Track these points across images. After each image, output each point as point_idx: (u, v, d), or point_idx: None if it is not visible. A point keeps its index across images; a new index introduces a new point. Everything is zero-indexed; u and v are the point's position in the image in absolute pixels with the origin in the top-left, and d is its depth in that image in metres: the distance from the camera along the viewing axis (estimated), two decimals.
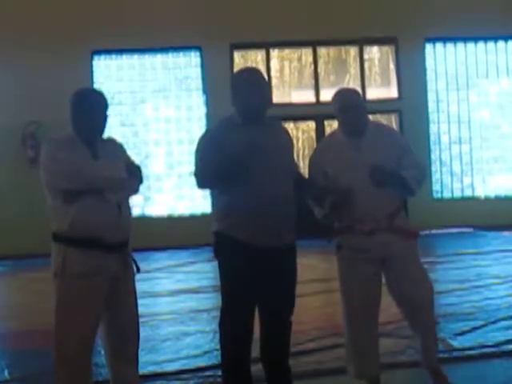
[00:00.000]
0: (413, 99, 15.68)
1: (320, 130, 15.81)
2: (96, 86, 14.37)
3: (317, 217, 5.15)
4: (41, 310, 7.60)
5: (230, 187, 4.72)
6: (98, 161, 4.57)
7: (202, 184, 4.92)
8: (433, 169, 15.81)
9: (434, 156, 15.91)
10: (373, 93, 15.81)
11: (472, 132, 16.20)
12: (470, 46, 16.18)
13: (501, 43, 16.23)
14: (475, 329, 6.87)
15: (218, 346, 4.97)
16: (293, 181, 4.88)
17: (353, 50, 16.19)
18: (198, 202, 15.17)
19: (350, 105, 5.09)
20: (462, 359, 5.94)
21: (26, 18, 14.70)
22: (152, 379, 5.80)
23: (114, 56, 15.51)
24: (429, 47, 16.07)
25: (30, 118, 14.61)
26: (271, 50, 15.90)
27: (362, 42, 15.91)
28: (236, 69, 13.82)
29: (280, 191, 4.75)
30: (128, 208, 4.70)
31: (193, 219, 15.08)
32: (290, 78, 16.25)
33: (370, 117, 5.36)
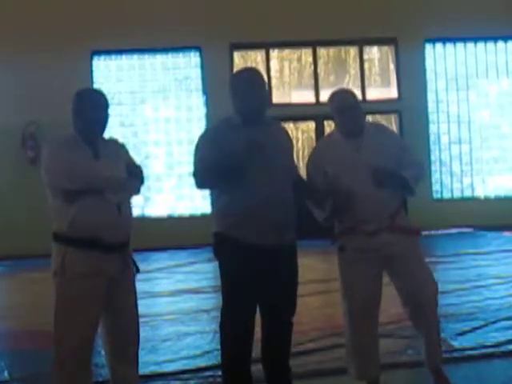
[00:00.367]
0: (412, 99, 15.67)
1: (320, 130, 15.80)
2: (96, 86, 14.35)
3: (317, 219, 5.15)
4: (41, 311, 7.59)
5: (228, 187, 4.72)
6: (99, 161, 4.57)
7: (200, 184, 4.91)
8: (432, 169, 15.80)
9: (433, 156, 15.90)
10: (372, 93, 15.81)
11: (472, 132, 16.19)
12: (470, 46, 16.18)
13: (500, 43, 16.23)
14: (475, 329, 6.87)
15: (219, 347, 4.97)
16: (292, 181, 4.88)
17: (352, 51, 16.19)
18: (198, 202, 15.16)
19: (347, 106, 5.09)
20: (462, 359, 5.94)
21: (26, 19, 14.70)
22: (152, 379, 5.80)
23: (113, 56, 15.51)
24: (428, 47, 16.07)
25: (30, 119, 14.61)
26: (271, 51, 15.90)
27: (361, 43, 15.91)
28: (236, 69, 13.81)
29: (279, 191, 4.75)
30: (129, 208, 4.70)
31: (193, 219, 15.07)
32: (290, 79, 16.25)
33: (370, 117, 5.36)
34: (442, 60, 16.17)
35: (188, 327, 7.61)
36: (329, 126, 15.91)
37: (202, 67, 15.58)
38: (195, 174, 4.84)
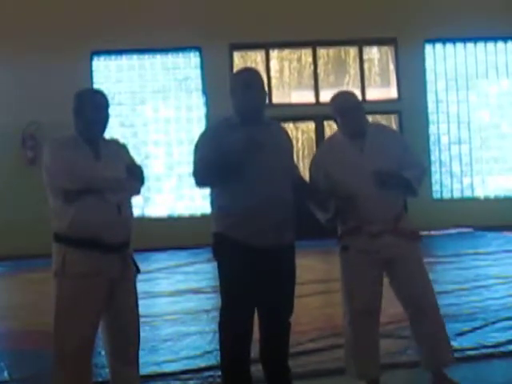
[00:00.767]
0: (412, 100, 15.68)
1: (319, 130, 15.82)
2: (96, 86, 14.34)
3: (320, 220, 5.15)
4: (41, 311, 7.60)
5: (227, 185, 4.72)
6: (100, 161, 4.58)
7: (200, 182, 4.91)
8: (432, 169, 15.80)
9: (433, 156, 15.91)
10: (372, 93, 15.81)
11: (471, 132, 16.20)
12: (470, 46, 16.18)
13: (500, 44, 16.23)
14: (475, 329, 6.86)
15: (218, 347, 4.97)
16: (292, 181, 4.88)
17: (352, 51, 16.20)
18: (198, 202, 15.16)
19: (350, 107, 5.10)
20: (462, 359, 5.92)
21: (26, 19, 14.70)
22: (152, 380, 5.79)
23: (113, 57, 15.52)
24: (428, 48, 16.07)
25: (30, 119, 14.61)
26: (271, 51, 15.90)
27: (361, 43, 15.91)
28: (236, 69, 13.81)
29: (279, 191, 4.75)
30: (129, 209, 4.71)
31: (192, 220, 15.08)
32: (290, 79, 16.26)
33: (370, 118, 5.37)
34: (442, 60, 16.17)
35: (188, 327, 7.61)
36: (329, 127, 15.92)
37: (202, 67, 15.59)
38: (195, 173, 4.85)
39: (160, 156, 15.60)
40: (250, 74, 5.05)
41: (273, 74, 15.90)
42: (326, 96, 15.65)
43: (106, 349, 4.76)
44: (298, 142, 15.79)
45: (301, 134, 16.17)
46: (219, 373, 5.16)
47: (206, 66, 15.50)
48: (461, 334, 6.70)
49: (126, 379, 4.71)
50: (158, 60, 15.65)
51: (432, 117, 16.08)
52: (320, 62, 16.10)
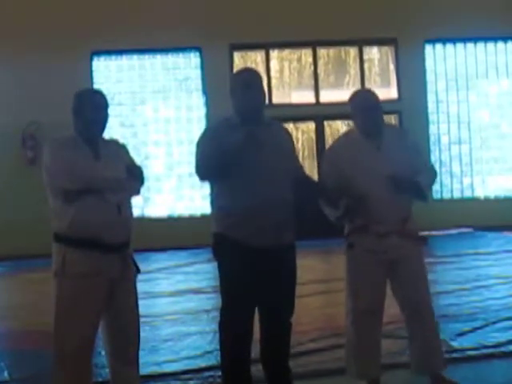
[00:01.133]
0: (412, 100, 15.67)
1: (320, 130, 15.82)
2: (96, 86, 14.32)
3: (329, 218, 5.14)
4: (41, 311, 7.59)
5: (227, 181, 4.71)
6: (100, 161, 4.58)
7: (202, 176, 4.88)
8: None
9: (433, 157, 15.89)
10: None
11: (472, 132, 16.19)
12: (470, 46, 16.17)
13: (500, 44, 16.22)
14: (476, 329, 6.86)
15: (218, 347, 4.97)
16: (295, 181, 4.87)
17: (352, 51, 16.19)
18: (198, 202, 15.17)
19: (370, 106, 5.09)
20: (462, 360, 5.93)
21: (26, 19, 14.69)
22: (152, 380, 5.80)
23: (113, 57, 15.50)
24: (428, 48, 16.06)
25: (30, 119, 14.60)
26: (271, 51, 15.89)
27: (361, 43, 15.90)
28: (236, 69, 13.81)
29: (279, 192, 4.75)
30: (129, 209, 4.71)
31: (192, 220, 15.07)
32: (290, 79, 16.25)
33: None
34: (442, 60, 16.16)
35: (188, 327, 7.61)
36: (329, 127, 15.95)
37: (202, 68, 15.57)
38: (197, 169, 4.83)
39: (160, 156, 15.59)
40: (250, 74, 5.05)
41: (273, 74, 15.88)
42: (326, 96, 15.70)
43: (106, 349, 4.77)
44: (298, 142, 15.79)
45: (301, 135, 16.17)
46: (220, 373, 5.16)
47: (206, 66, 15.49)
48: (461, 334, 6.70)
49: (126, 379, 4.71)
50: (158, 60, 15.64)
51: (432, 117, 16.08)
52: (320, 62, 16.09)
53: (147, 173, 15.01)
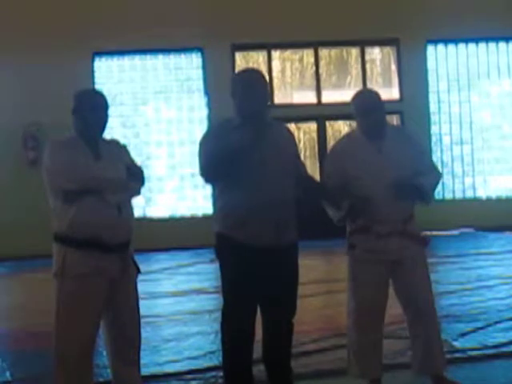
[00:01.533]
0: (414, 100, 15.67)
1: (321, 130, 15.83)
2: (97, 87, 14.34)
3: (332, 218, 5.14)
4: (42, 311, 7.56)
5: (231, 181, 4.70)
6: (100, 161, 4.58)
7: (207, 177, 4.84)
8: None
9: (435, 157, 15.87)
10: None
11: (473, 133, 16.19)
12: (472, 47, 16.17)
13: (502, 44, 16.22)
14: (478, 330, 6.86)
15: (220, 347, 4.97)
16: (295, 181, 4.86)
17: (354, 51, 16.19)
18: (200, 203, 15.18)
19: (373, 106, 5.06)
20: (463, 360, 5.93)
21: (27, 19, 14.70)
22: (154, 380, 5.79)
23: (115, 57, 15.51)
24: (430, 48, 16.07)
25: (31, 120, 14.61)
26: (273, 51, 15.90)
27: (363, 43, 15.91)
28: (237, 70, 13.82)
29: (280, 192, 4.74)
30: (130, 209, 4.71)
31: (194, 220, 15.08)
32: (292, 79, 16.26)
33: None
34: (444, 61, 16.16)
35: (190, 328, 7.61)
36: (330, 127, 15.95)
37: (204, 68, 15.58)
38: (202, 170, 4.80)
39: (162, 156, 15.60)
40: (253, 74, 5.01)
41: (275, 74, 15.89)
42: (327, 96, 15.70)
43: (107, 349, 4.77)
44: (299, 142, 15.79)
45: (303, 135, 16.17)
46: (221, 373, 5.15)
47: (207, 66, 15.49)
48: (463, 334, 6.70)
49: (127, 379, 4.71)
50: (160, 60, 15.65)
51: (434, 117, 16.08)
52: (322, 63, 16.09)
53: (149, 173, 15.07)
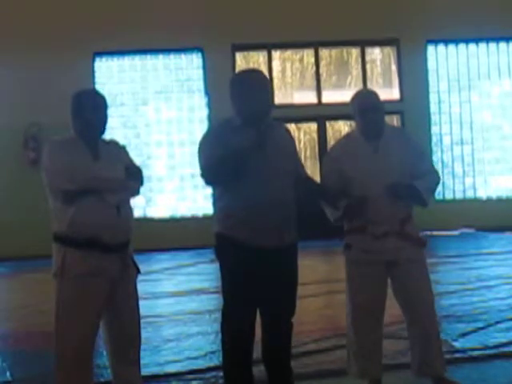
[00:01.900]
0: (414, 100, 15.68)
1: (322, 131, 15.83)
2: (97, 87, 14.34)
3: (329, 218, 5.14)
4: (42, 311, 7.61)
5: (235, 182, 4.70)
6: (99, 162, 4.58)
7: (210, 180, 4.84)
8: None
9: (435, 157, 15.89)
10: None
11: (474, 133, 16.18)
12: (472, 47, 16.17)
13: (502, 44, 16.22)
14: (478, 330, 6.86)
15: (220, 348, 4.96)
16: (294, 182, 4.86)
17: (354, 52, 16.20)
18: (200, 203, 15.17)
19: (371, 106, 5.06)
20: (464, 360, 5.93)
21: (27, 20, 14.70)
22: (154, 380, 5.79)
23: (115, 57, 15.51)
24: (430, 48, 16.06)
25: (32, 120, 14.62)
26: (273, 52, 15.91)
27: (363, 44, 15.90)
28: (238, 70, 13.81)
29: (280, 192, 4.74)
30: (129, 209, 4.71)
31: (194, 220, 15.07)
32: (292, 80, 16.26)
33: None
34: (444, 61, 16.16)
35: (190, 328, 7.61)
36: (331, 127, 15.94)
37: (204, 68, 15.58)
38: (203, 173, 4.80)
39: (162, 157, 15.60)
40: (254, 76, 4.97)
41: (275, 74, 15.90)
42: (328, 97, 15.70)
43: (107, 349, 4.77)
44: (300, 142, 15.81)
45: (303, 135, 16.18)
46: (221, 373, 5.15)
47: (208, 66, 15.49)
48: (464, 334, 6.70)
49: (127, 379, 4.71)
50: (160, 61, 15.65)
51: (434, 117, 16.08)
52: (322, 63, 16.10)
53: (149, 173, 15.10)
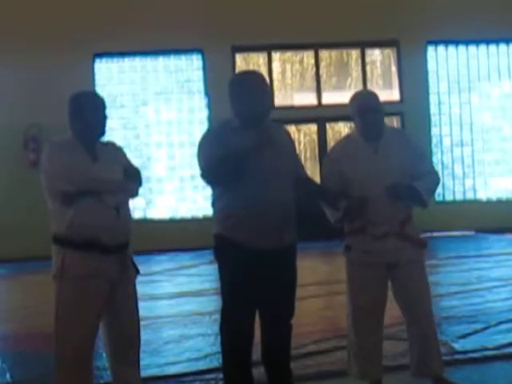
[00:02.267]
0: (415, 102, 15.68)
1: (322, 132, 15.82)
2: (97, 88, 14.35)
3: (330, 219, 5.14)
4: (42, 313, 7.59)
5: (230, 184, 4.70)
6: (97, 163, 4.59)
7: (210, 181, 4.85)
8: None
9: (435, 159, 15.88)
10: None
11: (474, 134, 16.19)
12: (472, 48, 16.18)
13: (503, 46, 16.23)
14: (477, 331, 6.85)
15: (220, 349, 4.96)
16: (294, 182, 4.86)
17: (354, 53, 16.19)
18: (200, 204, 15.17)
19: (370, 107, 5.05)
20: (463, 362, 5.93)
21: (27, 21, 14.69)
22: (154, 382, 5.79)
23: (115, 58, 15.50)
24: (431, 50, 16.07)
25: (32, 121, 14.61)
26: (273, 53, 15.90)
27: (363, 45, 15.91)
28: (238, 71, 13.81)
29: (279, 193, 4.74)
30: (127, 211, 4.71)
31: (194, 222, 15.06)
32: (292, 81, 16.25)
33: None
34: (444, 62, 16.16)
35: (190, 330, 7.61)
36: (331, 129, 15.94)
37: (204, 69, 15.58)
38: (204, 173, 4.80)
39: (162, 158, 15.59)
40: (253, 78, 4.98)
41: (275, 76, 15.90)
42: (328, 98, 15.70)
43: (106, 351, 4.77)
44: (300, 144, 15.80)
45: (303, 137, 16.17)
46: (221, 375, 5.15)
47: (208, 68, 15.49)
48: (463, 336, 6.69)
49: (127, 381, 4.71)
50: (160, 62, 15.64)
51: (434, 119, 16.08)
52: (322, 64, 16.09)
53: (149, 175, 15.09)
